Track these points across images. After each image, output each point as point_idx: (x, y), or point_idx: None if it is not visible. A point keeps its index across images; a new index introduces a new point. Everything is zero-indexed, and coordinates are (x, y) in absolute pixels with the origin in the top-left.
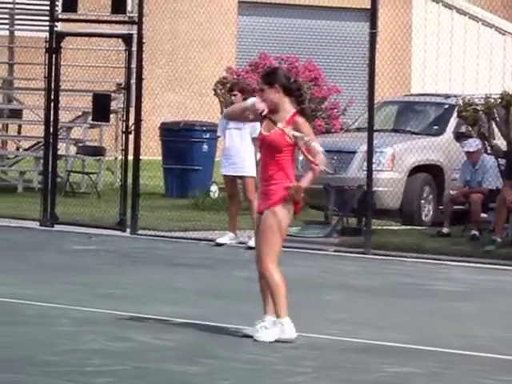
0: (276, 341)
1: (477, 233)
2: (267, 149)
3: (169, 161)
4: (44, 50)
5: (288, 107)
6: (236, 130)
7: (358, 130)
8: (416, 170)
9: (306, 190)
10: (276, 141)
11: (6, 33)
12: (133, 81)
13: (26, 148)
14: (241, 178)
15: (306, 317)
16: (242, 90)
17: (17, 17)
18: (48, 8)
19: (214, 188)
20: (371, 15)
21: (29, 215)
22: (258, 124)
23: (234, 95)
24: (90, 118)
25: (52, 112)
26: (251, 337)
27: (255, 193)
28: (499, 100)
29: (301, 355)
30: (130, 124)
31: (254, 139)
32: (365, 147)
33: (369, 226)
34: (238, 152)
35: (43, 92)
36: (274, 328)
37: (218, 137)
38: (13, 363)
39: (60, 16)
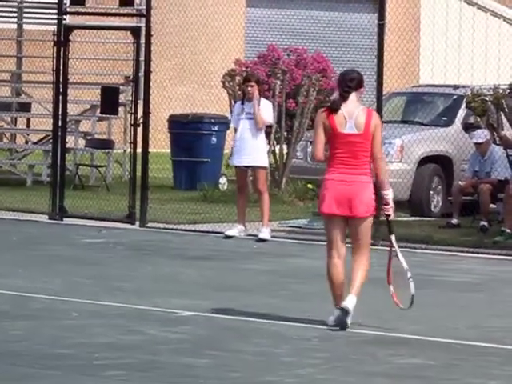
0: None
1: (486, 223)
2: None
3: (177, 153)
4: (52, 43)
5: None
6: (248, 120)
7: None
8: (425, 160)
9: (314, 181)
10: None
11: (15, 26)
12: (141, 73)
13: (35, 141)
14: (252, 168)
15: (316, 308)
16: (258, 82)
17: (25, 10)
18: (56, 1)
19: (222, 180)
20: (379, 6)
21: (38, 209)
22: (271, 111)
23: (251, 86)
24: (99, 110)
25: (60, 105)
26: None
27: (266, 184)
28: (508, 90)
29: (311, 347)
30: (139, 117)
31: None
32: None
33: (378, 218)
34: (251, 143)
35: (51, 85)
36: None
37: (228, 127)
38: (23, 357)
39: (68, 9)
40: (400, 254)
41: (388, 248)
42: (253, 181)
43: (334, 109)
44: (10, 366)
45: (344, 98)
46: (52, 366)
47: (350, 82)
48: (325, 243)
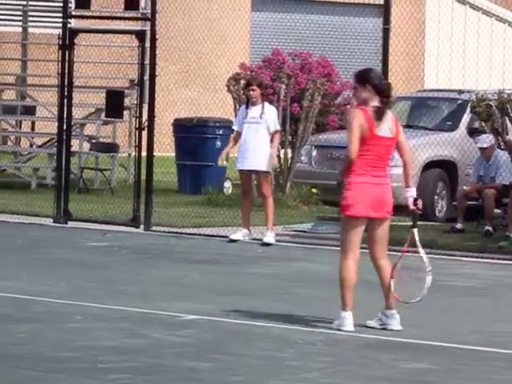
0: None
1: (490, 228)
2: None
3: (182, 157)
4: (57, 46)
5: (375, 103)
6: (253, 124)
7: None
8: (429, 165)
9: (318, 185)
10: None
11: (20, 29)
12: (146, 77)
13: (40, 145)
14: (256, 173)
15: (321, 313)
16: (260, 85)
17: (30, 13)
18: (61, 5)
19: (227, 184)
20: (384, 11)
21: (42, 212)
22: (275, 116)
23: (253, 90)
24: (104, 114)
25: (65, 108)
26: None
27: (270, 189)
28: None
29: (316, 351)
30: (144, 120)
31: (275, 132)
32: None
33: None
34: (254, 147)
35: (56, 88)
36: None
37: (233, 131)
38: (26, 360)
39: (73, 13)
40: (420, 247)
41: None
42: (257, 185)
43: (380, 118)
44: (14, 369)
45: (387, 104)
46: (56, 369)
47: (388, 89)
48: (330, 247)
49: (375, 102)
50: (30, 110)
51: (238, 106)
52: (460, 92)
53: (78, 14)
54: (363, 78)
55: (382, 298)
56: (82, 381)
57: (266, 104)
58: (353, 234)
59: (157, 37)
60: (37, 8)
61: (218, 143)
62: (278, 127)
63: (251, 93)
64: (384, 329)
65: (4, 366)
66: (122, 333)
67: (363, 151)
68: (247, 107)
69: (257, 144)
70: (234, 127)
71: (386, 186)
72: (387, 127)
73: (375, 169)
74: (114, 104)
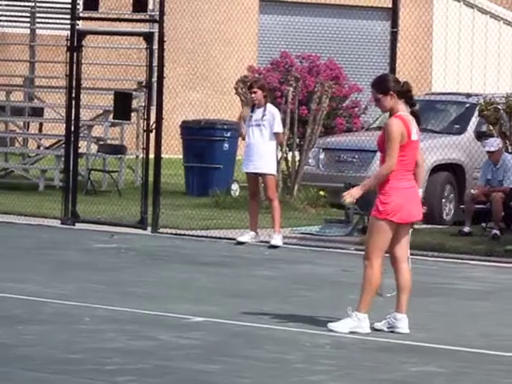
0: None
1: (498, 232)
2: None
3: (190, 159)
4: (65, 48)
5: (402, 107)
6: (256, 126)
7: (379, 128)
8: (437, 168)
9: (326, 188)
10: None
11: (28, 31)
12: (154, 79)
13: (47, 146)
14: (261, 175)
15: (328, 316)
16: (261, 88)
17: (38, 15)
18: (69, 6)
19: (234, 186)
20: (392, 14)
21: (50, 213)
22: (278, 118)
23: (254, 92)
24: (111, 116)
25: (73, 110)
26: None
27: (276, 192)
28: None
29: (323, 354)
30: (151, 122)
31: (276, 134)
32: None
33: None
34: (258, 149)
35: (64, 90)
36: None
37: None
38: (35, 361)
39: (81, 14)
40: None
41: None
42: (264, 188)
43: (419, 120)
44: (22, 371)
45: (415, 105)
46: (63, 371)
47: (410, 89)
48: (336, 250)
49: (402, 106)
50: (37, 112)
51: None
52: (468, 95)
53: (86, 15)
54: (384, 87)
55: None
56: (89, 382)
57: (269, 105)
58: (387, 238)
59: (165, 39)
60: (45, 9)
61: (226, 145)
62: (280, 129)
63: (253, 95)
64: (392, 332)
65: (12, 367)
66: (130, 335)
67: (402, 157)
68: (252, 110)
69: (261, 147)
70: (242, 129)
71: (416, 188)
72: (415, 130)
73: (410, 172)
74: (122, 106)
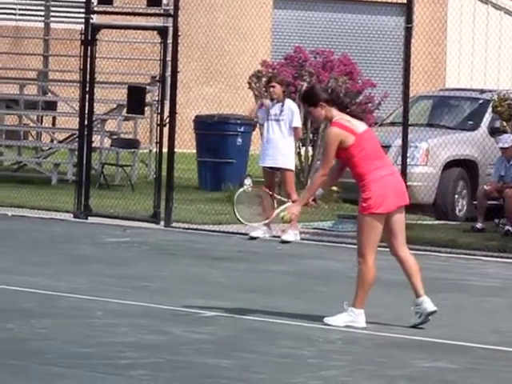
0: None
1: (511, 228)
2: None
3: (203, 154)
4: (79, 42)
5: (335, 113)
6: (275, 121)
7: (393, 124)
8: (450, 164)
9: (339, 183)
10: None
11: (42, 25)
12: (168, 73)
13: (61, 140)
14: (279, 170)
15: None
16: (280, 82)
17: (52, 9)
18: (84, 0)
19: (248, 181)
20: (407, 9)
21: (63, 207)
22: (296, 113)
23: (273, 87)
24: (125, 110)
25: (87, 104)
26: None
27: (294, 187)
28: None
29: (336, 349)
30: (165, 117)
31: (295, 129)
32: (399, 141)
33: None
34: (277, 144)
35: (78, 84)
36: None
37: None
38: (48, 355)
39: (96, 8)
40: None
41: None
42: (281, 182)
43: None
44: (35, 365)
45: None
46: (77, 365)
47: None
48: (350, 245)
49: (335, 111)
50: (51, 106)
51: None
52: (482, 91)
53: (100, 9)
54: (313, 99)
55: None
56: (103, 377)
57: (288, 101)
58: (377, 232)
59: (179, 33)
60: (59, 3)
61: (239, 140)
62: (298, 124)
63: (271, 89)
64: (424, 321)
65: (25, 361)
66: (143, 329)
67: (360, 152)
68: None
69: (278, 141)
70: (260, 122)
71: (397, 173)
72: (357, 123)
73: (380, 160)
74: (136, 100)
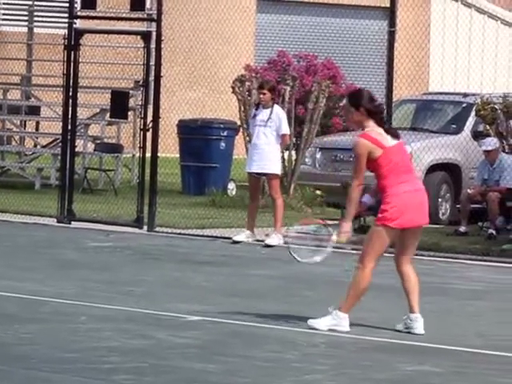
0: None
1: (494, 231)
2: None
3: (186, 158)
4: (63, 46)
5: (370, 124)
6: (261, 127)
7: None
8: (433, 168)
9: (322, 188)
10: None
11: (25, 29)
12: (151, 78)
13: (44, 145)
14: (265, 175)
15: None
16: (271, 89)
17: (36, 13)
18: (67, 5)
19: (231, 186)
20: (390, 13)
21: (46, 212)
22: (284, 119)
23: (264, 94)
24: (108, 115)
25: (70, 109)
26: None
27: (280, 190)
28: None
29: (320, 353)
30: (148, 121)
31: (283, 135)
32: None
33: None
34: (263, 150)
35: (61, 89)
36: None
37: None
38: (33, 360)
39: (79, 13)
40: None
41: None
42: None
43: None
44: (20, 370)
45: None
46: (61, 370)
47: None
48: (332, 250)
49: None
50: (34, 110)
51: (242, 108)
52: (465, 95)
53: (83, 14)
54: (356, 101)
55: (400, 303)
56: (86, 381)
57: (276, 107)
58: (384, 244)
59: (162, 38)
60: (42, 8)
61: (223, 144)
62: (287, 131)
63: (261, 96)
64: (409, 332)
65: (10, 366)
66: (127, 333)
67: (387, 165)
68: (257, 109)
69: (266, 147)
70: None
71: (423, 191)
72: (389, 137)
73: (407, 175)
74: (119, 105)
